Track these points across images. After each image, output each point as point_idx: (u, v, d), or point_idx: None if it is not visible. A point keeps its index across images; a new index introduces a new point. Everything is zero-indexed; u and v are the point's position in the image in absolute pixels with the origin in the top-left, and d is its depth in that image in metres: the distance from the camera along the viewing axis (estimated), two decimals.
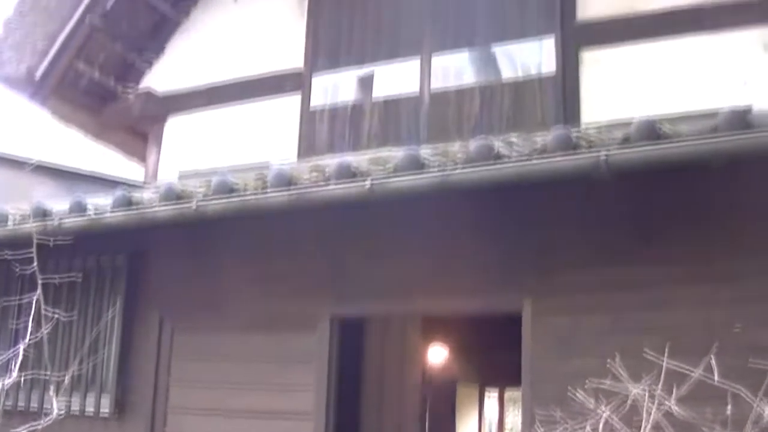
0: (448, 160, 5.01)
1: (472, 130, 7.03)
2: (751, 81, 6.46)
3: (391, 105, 7.64)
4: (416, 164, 5.04)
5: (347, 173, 5.21)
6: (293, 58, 8.19)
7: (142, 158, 9.42)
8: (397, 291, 5.88)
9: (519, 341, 5.41)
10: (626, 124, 4.82)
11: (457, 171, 4.90)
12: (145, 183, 8.83)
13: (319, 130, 7.87)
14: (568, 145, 4.74)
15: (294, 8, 8.39)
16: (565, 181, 4.82)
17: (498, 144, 4.99)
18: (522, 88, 7.18)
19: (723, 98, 6.33)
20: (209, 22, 8.90)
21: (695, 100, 6.48)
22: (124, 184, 9.69)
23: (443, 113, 7.39)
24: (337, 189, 5.23)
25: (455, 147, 5.24)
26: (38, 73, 8.87)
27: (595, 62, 7.01)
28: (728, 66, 6.58)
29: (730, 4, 6.66)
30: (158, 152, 8.90)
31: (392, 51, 7.77)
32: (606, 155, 4.58)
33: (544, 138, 4.92)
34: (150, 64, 9.10)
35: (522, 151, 4.89)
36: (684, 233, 5.06)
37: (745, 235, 4.90)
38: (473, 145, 4.97)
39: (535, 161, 4.80)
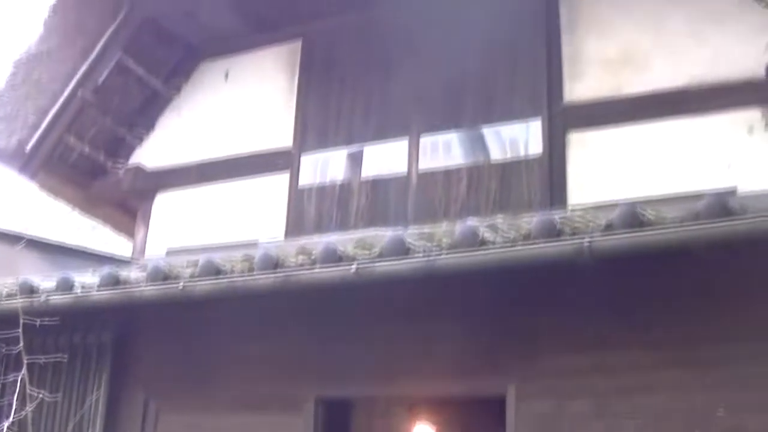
0: (433, 245, 5.04)
1: (459, 211, 7.09)
2: (736, 163, 6.52)
3: (379, 185, 7.68)
4: (401, 249, 5.07)
5: (333, 257, 5.25)
6: (283, 137, 8.27)
7: (131, 233, 9.42)
8: (382, 373, 5.86)
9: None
10: (612, 206, 4.89)
11: (442, 257, 4.94)
12: (132, 258, 8.82)
13: (308, 209, 7.90)
14: (552, 232, 4.79)
15: (284, 87, 8.50)
16: (549, 266, 4.85)
17: (483, 229, 5.03)
18: (509, 169, 7.22)
19: (708, 180, 6.44)
20: (200, 99, 9.00)
21: (681, 182, 6.56)
22: (111, 259, 9.70)
23: (431, 193, 7.42)
24: (323, 272, 5.26)
25: (441, 229, 5.29)
26: (28, 147, 8.89)
27: (581, 144, 7.08)
28: (713, 148, 6.65)
29: (715, 86, 6.75)
30: (146, 228, 8.90)
31: (381, 131, 7.86)
32: (589, 242, 4.63)
33: (529, 222, 4.97)
34: (140, 139, 9.16)
35: (507, 237, 4.93)
36: (668, 318, 5.06)
37: (728, 320, 4.91)
38: (458, 230, 5.01)
39: (519, 247, 4.84)
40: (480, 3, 7.67)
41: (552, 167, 7.08)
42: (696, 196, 5.22)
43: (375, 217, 7.52)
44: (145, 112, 9.15)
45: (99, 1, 8.47)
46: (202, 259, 5.75)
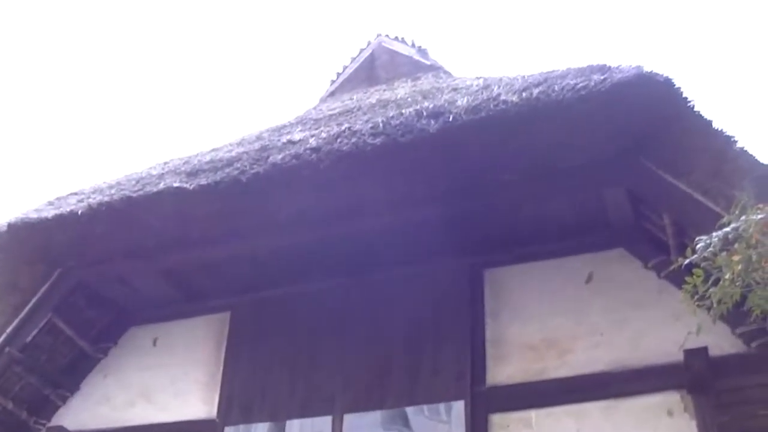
0: None
1: None
2: None
3: None
4: None
5: None
6: (207, 407, 8.26)
7: None
8: None
9: None
10: None
11: None
12: None
13: None
14: None
15: (211, 357, 8.59)
16: None
17: None
18: None
19: None
20: (127, 363, 9.00)
21: None
22: None
23: None
24: None
25: None
26: None
27: (503, 426, 7.15)
28: (634, 430, 6.74)
29: (635, 370, 6.94)
30: None
31: (305, 407, 7.83)
32: None
33: None
34: (64, 399, 9.06)
35: None
36: None
37: None
38: None
39: None
40: (406, 285, 7.96)
41: None
42: None
43: None
44: (71, 372, 9.10)
45: (33, 260, 8.52)
46: None
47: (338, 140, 7.16)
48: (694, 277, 4.82)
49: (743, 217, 4.65)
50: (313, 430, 7.65)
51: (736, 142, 6.41)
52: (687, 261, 4.88)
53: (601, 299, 7.35)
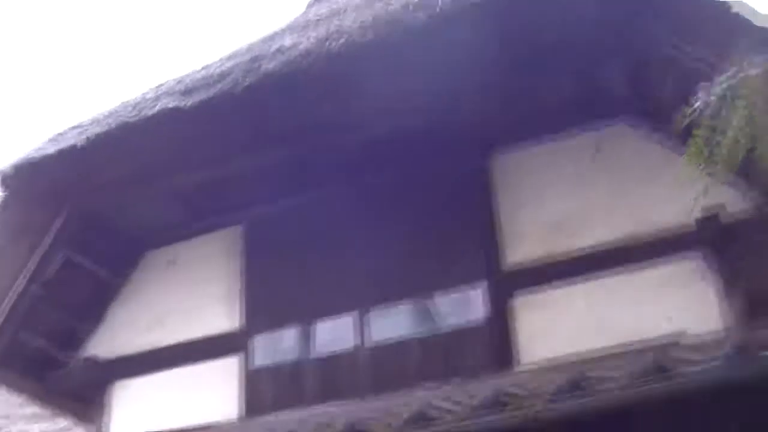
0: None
1: (411, 381, 7.11)
2: (676, 317, 6.68)
3: (331, 360, 7.75)
4: None
5: None
6: (232, 320, 8.37)
7: (91, 421, 9.31)
8: None
9: None
10: (561, 366, 4.98)
11: None
12: None
13: (262, 390, 7.93)
14: (499, 403, 4.92)
15: (230, 270, 8.60)
16: None
17: (432, 404, 5.14)
18: (457, 336, 7.36)
19: (652, 330, 6.60)
20: (147, 287, 9.06)
21: (626, 335, 6.68)
22: None
23: (382, 366, 7.50)
24: None
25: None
26: None
27: (526, 306, 7.27)
28: (654, 299, 6.85)
29: (649, 242, 7.01)
30: (105, 417, 8.83)
31: (329, 308, 7.92)
32: (536, 412, 4.77)
33: (477, 390, 5.08)
34: (91, 330, 9.13)
35: (457, 411, 5.05)
36: None
37: None
38: (406, 412, 5.09)
39: (470, 421, 4.97)
40: (418, 181, 8.02)
41: (500, 330, 7.25)
42: (640, 351, 5.41)
43: (330, 392, 7.51)
44: (94, 303, 9.16)
45: (42, 198, 8.54)
46: None
47: (327, 42, 7.14)
48: (699, 134, 4.83)
49: (741, 74, 4.65)
50: (339, 330, 7.79)
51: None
52: (689, 117, 4.88)
53: (608, 174, 7.34)
